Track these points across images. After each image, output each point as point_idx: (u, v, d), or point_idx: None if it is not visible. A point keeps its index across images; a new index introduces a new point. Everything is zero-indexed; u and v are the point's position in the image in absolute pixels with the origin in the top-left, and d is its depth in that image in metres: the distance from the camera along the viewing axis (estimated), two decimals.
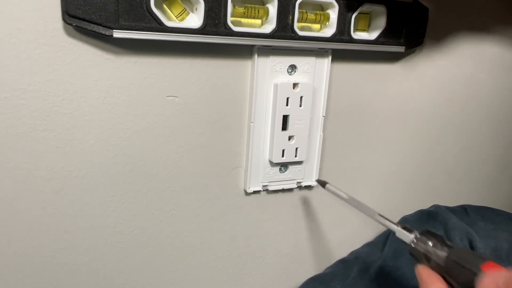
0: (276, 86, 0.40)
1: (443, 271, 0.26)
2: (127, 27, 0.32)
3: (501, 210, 0.55)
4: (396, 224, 0.30)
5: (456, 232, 0.46)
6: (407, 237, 0.29)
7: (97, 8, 0.31)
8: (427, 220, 0.51)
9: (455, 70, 0.52)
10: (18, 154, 0.34)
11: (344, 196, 0.37)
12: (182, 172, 0.40)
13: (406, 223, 0.52)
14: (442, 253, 0.26)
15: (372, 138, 0.49)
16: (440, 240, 0.27)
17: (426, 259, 0.27)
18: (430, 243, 0.27)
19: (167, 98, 0.37)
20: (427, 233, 0.28)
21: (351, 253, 0.52)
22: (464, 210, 0.54)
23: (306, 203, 0.48)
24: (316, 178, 0.46)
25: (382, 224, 0.32)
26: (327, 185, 0.40)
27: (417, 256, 0.28)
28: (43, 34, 0.32)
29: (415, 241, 0.28)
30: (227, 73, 0.39)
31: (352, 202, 0.35)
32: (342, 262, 0.50)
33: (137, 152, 0.38)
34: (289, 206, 0.47)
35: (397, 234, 0.30)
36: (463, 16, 0.49)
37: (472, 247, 0.44)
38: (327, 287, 0.46)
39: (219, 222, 0.44)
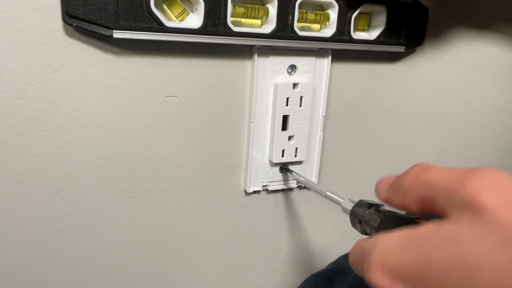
0: (276, 86, 0.40)
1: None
2: (127, 27, 0.32)
3: None
4: (342, 198, 0.31)
5: None
6: (349, 205, 0.29)
7: (97, 9, 0.31)
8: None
9: (455, 70, 0.52)
10: (18, 154, 0.34)
11: (304, 179, 0.41)
12: (182, 172, 0.40)
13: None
14: (376, 218, 0.27)
15: (372, 138, 0.49)
16: (376, 207, 0.28)
17: (364, 223, 0.27)
18: (367, 211, 0.27)
19: (167, 98, 0.37)
20: (366, 202, 0.28)
21: None
22: None
23: (306, 203, 0.48)
24: (316, 177, 0.46)
25: (332, 200, 0.33)
26: (289, 173, 0.43)
27: (353, 222, 0.28)
28: (43, 34, 0.32)
29: (355, 208, 0.28)
30: (227, 73, 0.39)
31: (308, 185, 0.40)
32: (345, 258, 0.50)
33: (137, 152, 0.38)
34: (289, 206, 0.47)
35: (342, 205, 0.30)
36: (463, 16, 0.49)
37: None
38: (329, 284, 0.46)
39: (219, 222, 0.44)
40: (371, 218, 0.26)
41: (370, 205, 0.27)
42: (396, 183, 0.21)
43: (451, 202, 0.17)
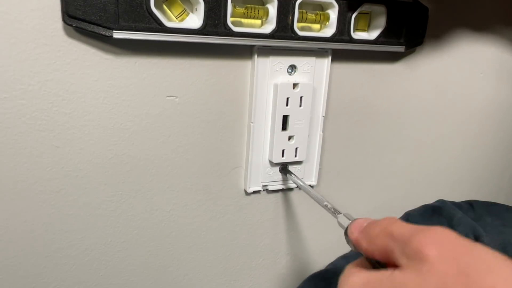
0: (276, 86, 0.40)
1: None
2: (127, 27, 0.32)
3: (510, 206, 0.54)
4: (339, 211, 0.31)
5: (462, 228, 0.45)
6: (346, 223, 0.29)
7: (97, 9, 0.31)
8: (431, 215, 0.50)
9: (455, 69, 0.52)
10: (18, 154, 0.34)
11: (301, 184, 0.41)
12: (182, 172, 0.40)
13: (410, 218, 0.52)
14: None
15: (372, 138, 0.49)
16: None
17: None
18: None
19: (167, 98, 0.37)
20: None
21: None
22: (470, 205, 0.53)
23: (306, 203, 0.48)
24: (316, 177, 0.46)
25: (328, 211, 0.34)
26: (288, 174, 0.43)
27: (347, 241, 0.28)
28: (43, 34, 0.32)
29: (348, 228, 0.28)
30: (227, 73, 0.39)
31: (307, 191, 0.39)
32: (344, 258, 0.50)
33: (137, 152, 0.38)
34: (289, 206, 0.47)
35: (338, 220, 0.30)
36: (463, 15, 0.49)
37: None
38: (329, 284, 0.46)
39: (219, 222, 0.44)
40: None
41: None
42: (367, 229, 0.24)
43: (403, 253, 0.20)
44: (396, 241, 0.21)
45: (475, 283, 0.17)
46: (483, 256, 0.18)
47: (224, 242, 0.45)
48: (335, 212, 0.32)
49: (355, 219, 0.27)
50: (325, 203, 0.35)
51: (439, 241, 0.19)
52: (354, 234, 0.25)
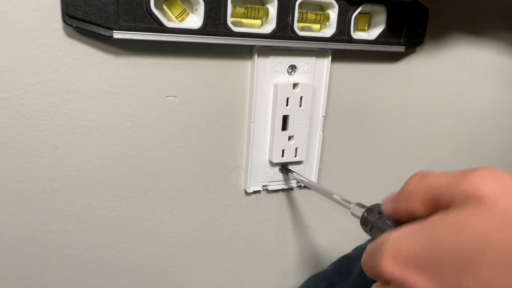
0: (276, 86, 0.40)
1: None
2: (127, 28, 0.32)
3: None
4: (350, 202, 0.31)
5: None
6: (360, 211, 0.29)
7: (97, 9, 0.31)
8: None
9: (455, 69, 0.52)
10: (18, 154, 0.34)
11: (306, 180, 0.40)
12: (182, 172, 0.40)
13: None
14: (389, 223, 0.26)
15: (372, 138, 0.49)
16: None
17: (376, 227, 0.27)
18: (377, 215, 0.27)
19: (167, 98, 0.37)
20: (376, 208, 0.28)
21: (355, 249, 0.51)
22: None
23: (306, 202, 0.48)
24: (316, 177, 0.46)
25: (338, 203, 0.33)
26: (290, 173, 0.43)
27: (365, 228, 0.28)
28: (43, 34, 0.32)
29: (365, 214, 0.28)
30: (227, 73, 0.39)
31: (313, 187, 0.39)
32: (346, 258, 0.50)
33: (137, 152, 0.38)
34: (289, 206, 0.47)
35: (351, 210, 0.30)
36: (463, 16, 0.49)
37: None
38: (330, 284, 0.46)
39: (219, 222, 0.44)
40: (384, 223, 0.25)
41: (380, 211, 0.27)
42: (400, 191, 0.22)
43: (455, 195, 0.18)
44: (442, 186, 0.19)
45: None
46: None
47: (224, 242, 0.45)
48: (347, 202, 0.31)
49: (386, 197, 0.24)
50: (334, 195, 0.34)
51: (496, 177, 0.18)
52: (389, 205, 0.23)
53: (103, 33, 0.32)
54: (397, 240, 0.19)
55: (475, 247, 0.16)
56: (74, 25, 0.31)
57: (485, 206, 0.17)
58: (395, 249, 0.19)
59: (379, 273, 0.19)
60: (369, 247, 0.22)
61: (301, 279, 0.49)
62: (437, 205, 0.19)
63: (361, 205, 0.29)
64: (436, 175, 0.20)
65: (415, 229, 0.19)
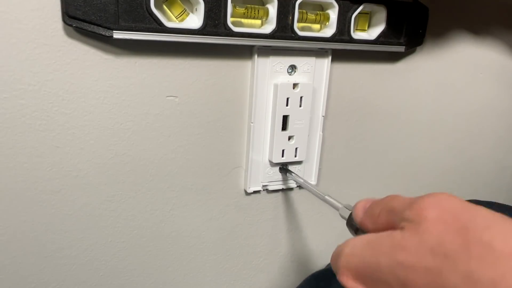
0: (276, 86, 0.40)
1: None
2: (127, 28, 0.32)
3: (510, 206, 0.54)
4: (340, 202, 0.32)
5: None
6: (347, 213, 0.29)
7: (97, 9, 0.31)
8: None
9: (455, 69, 0.52)
10: (18, 154, 0.34)
11: (301, 181, 0.41)
12: (182, 172, 0.40)
13: None
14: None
15: (372, 138, 0.49)
16: None
17: (360, 230, 0.27)
18: None
19: (167, 98, 0.37)
20: None
21: None
22: (490, 206, 0.53)
23: (306, 202, 0.48)
24: (316, 177, 0.46)
25: (330, 204, 0.34)
26: (288, 174, 0.43)
27: (351, 230, 0.28)
28: (43, 34, 0.32)
29: (351, 216, 0.28)
30: (227, 73, 0.39)
31: (308, 187, 0.40)
32: None
33: (137, 152, 0.38)
34: (289, 206, 0.47)
35: (340, 212, 0.30)
36: (463, 16, 0.49)
37: None
38: (329, 284, 0.46)
39: (219, 222, 0.44)
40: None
41: None
42: (370, 210, 0.24)
43: (403, 217, 0.20)
44: (397, 212, 0.21)
45: (473, 238, 0.17)
46: (483, 214, 0.18)
47: (224, 242, 0.45)
48: (337, 204, 0.32)
49: (358, 202, 0.27)
50: (326, 196, 0.35)
51: (439, 203, 0.19)
52: (359, 216, 0.25)
53: (103, 33, 0.32)
54: (350, 253, 0.22)
55: (407, 270, 0.19)
56: (74, 25, 0.31)
57: (420, 230, 0.19)
58: (347, 263, 0.22)
59: (339, 279, 0.22)
60: (335, 251, 0.24)
61: (301, 279, 0.50)
62: (389, 224, 0.22)
63: (350, 207, 0.29)
64: (399, 201, 0.22)
65: (365, 244, 0.21)
